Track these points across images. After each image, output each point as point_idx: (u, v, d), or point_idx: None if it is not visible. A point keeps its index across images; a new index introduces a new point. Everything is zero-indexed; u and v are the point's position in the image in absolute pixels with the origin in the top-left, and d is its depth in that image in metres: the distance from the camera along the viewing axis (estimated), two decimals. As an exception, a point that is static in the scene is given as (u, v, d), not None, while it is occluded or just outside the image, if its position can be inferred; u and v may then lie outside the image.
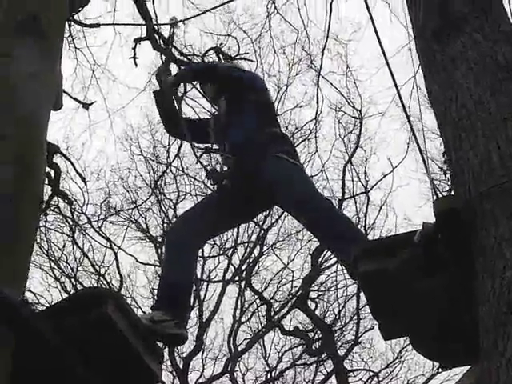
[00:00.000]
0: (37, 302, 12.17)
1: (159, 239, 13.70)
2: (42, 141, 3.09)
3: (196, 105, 10.21)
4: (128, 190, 14.10)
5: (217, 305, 13.81)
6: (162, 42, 8.52)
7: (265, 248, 14.37)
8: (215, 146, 3.98)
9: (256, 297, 14.32)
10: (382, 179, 13.94)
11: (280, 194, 3.59)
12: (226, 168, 3.78)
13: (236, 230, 13.78)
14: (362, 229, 13.03)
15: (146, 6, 8.40)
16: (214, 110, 4.35)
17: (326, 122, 19.43)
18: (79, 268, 13.53)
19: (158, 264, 13.38)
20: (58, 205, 11.49)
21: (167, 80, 4.07)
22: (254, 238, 14.27)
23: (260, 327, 14.29)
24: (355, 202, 14.02)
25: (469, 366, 3.01)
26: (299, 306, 13.75)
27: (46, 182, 7.70)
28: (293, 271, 14.42)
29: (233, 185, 3.69)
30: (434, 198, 3.07)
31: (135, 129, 14.50)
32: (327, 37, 9.75)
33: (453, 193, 3.15)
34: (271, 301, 14.18)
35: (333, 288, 14.19)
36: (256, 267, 14.36)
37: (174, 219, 12.08)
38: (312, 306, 14.05)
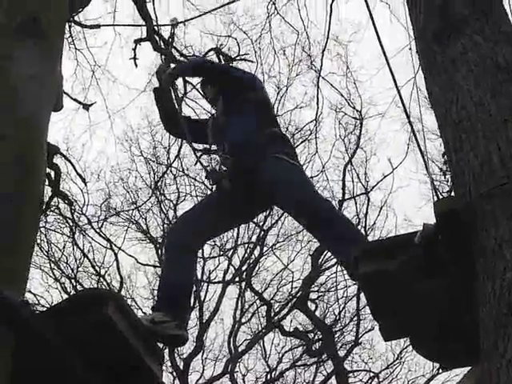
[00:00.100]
0: (37, 302, 12.19)
1: (159, 240, 13.70)
2: (42, 142, 3.09)
3: (196, 106, 10.24)
4: (128, 191, 14.12)
5: (217, 306, 13.81)
6: (162, 43, 8.52)
7: (265, 249, 14.38)
8: (214, 147, 3.99)
9: (256, 298, 14.32)
10: (382, 180, 13.96)
11: (280, 194, 3.60)
12: (224, 168, 3.78)
13: (236, 230, 13.80)
14: (362, 229, 13.03)
15: (146, 7, 8.40)
16: (213, 111, 4.35)
17: (326, 123, 19.44)
18: (79, 269, 13.54)
19: (159, 265, 13.38)
20: (58, 205, 11.49)
21: (166, 72, 4.07)
22: (254, 238, 14.28)
23: (260, 328, 14.29)
24: (355, 203, 14.03)
25: (469, 367, 3.01)
26: (299, 306, 13.74)
27: (47, 182, 7.70)
28: (293, 272, 14.44)
29: (232, 185, 3.69)
30: (435, 198, 3.07)
31: (135, 129, 14.51)
32: (327, 38, 9.76)
33: (453, 194, 3.15)
34: (271, 302, 14.18)
35: (333, 289, 14.21)
36: (256, 268, 14.37)
37: (175, 220, 12.09)
38: (312, 306, 14.05)
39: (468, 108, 2.98)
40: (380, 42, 3.94)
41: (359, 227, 12.45)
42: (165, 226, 13.74)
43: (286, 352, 14.35)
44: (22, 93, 3.03)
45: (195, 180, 13.53)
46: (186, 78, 7.15)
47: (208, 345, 14.13)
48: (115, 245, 13.50)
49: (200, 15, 6.92)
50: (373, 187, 14.10)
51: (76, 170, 9.84)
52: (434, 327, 2.83)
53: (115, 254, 13.48)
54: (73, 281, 13.37)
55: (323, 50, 10.19)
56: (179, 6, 10.34)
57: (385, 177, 13.82)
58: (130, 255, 13.77)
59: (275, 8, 10.39)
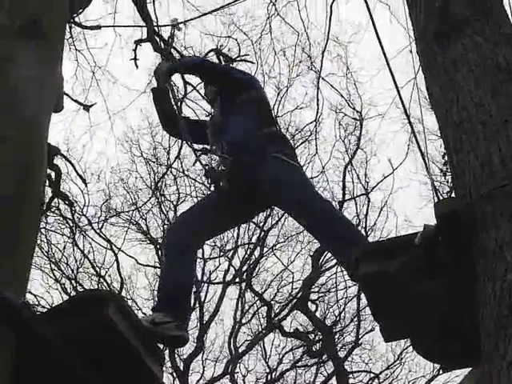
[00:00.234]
0: (37, 303, 12.19)
1: (160, 241, 13.69)
2: (42, 143, 3.09)
3: (196, 107, 10.23)
4: (128, 192, 14.12)
5: (217, 306, 13.80)
6: (162, 44, 8.52)
7: (265, 250, 14.38)
8: (213, 147, 3.98)
9: (256, 298, 14.32)
10: (382, 181, 13.96)
11: (280, 195, 3.60)
12: (223, 168, 3.77)
13: (236, 231, 13.80)
14: (363, 230, 13.02)
15: (146, 8, 8.40)
16: (212, 111, 4.36)
17: (326, 124, 19.48)
18: (80, 270, 13.54)
19: (159, 266, 13.37)
20: (59, 206, 11.48)
21: (162, 66, 4.08)
22: (254, 239, 14.28)
23: (260, 329, 14.29)
24: (355, 204, 14.03)
25: (470, 368, 3.01)
26: (300, 307, 13.74)
27: (47, 183, 7.69)
28: (293, 273, 14.44)
29: (231, 185, 3.69)
30: (435, 199, 3.07)
31: (135, 130, 14.52)
32: (327, 38, 9.76)
33: (453, 195, 3.15)
34: (271, 302, 14.18)
35: (333, 290, 14.20)
36: (256, 269, 14.37)
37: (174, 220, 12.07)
38: (312, 307, 14.05)
39: (468, 109, 2.98)
40: (380, 42, 3.94)
41: (359, 228, 12.44)
42: (165, 226, 13.73)
43: (286, 353, 14.36)
44: (22, 94, 3.03)
45: (195, 181, 13.54)
46: (184, 75, 7.12)
47: (208, 345, 14.15)
48: (115, 245, 13.52)
49: (200, 16, 6.94)
50: (373, 188, 14.12)
51: (76, 171, 9.83)
52: (434, 328, 2.83)
53: (115, 255, 13.49)
54: (73, 282, 13.38)
55: (323, 51, 10.19)
56: (179, 6, 10.36)
57: (385, 177, 13.84)
58: (131, 256, 13.79)
59: (275, 9, 10.41)
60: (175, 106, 4.16)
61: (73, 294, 12.82)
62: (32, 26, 3.28)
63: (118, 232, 13.86)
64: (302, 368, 14.34)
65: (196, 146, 4.14)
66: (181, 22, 4.72)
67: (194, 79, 8.60)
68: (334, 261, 12.58)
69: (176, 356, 13.24)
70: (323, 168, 13.53)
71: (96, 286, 13.31)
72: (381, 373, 14.29)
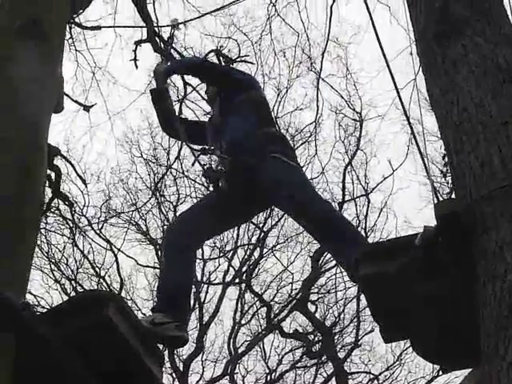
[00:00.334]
0: (37, 304, 12.18)
1: (159, 241, 13.68)
2: (43, 143, 3.09)
3: (196, 107, 10.24)
4: (128, 192, 14.11)
5: (217, 307, 13.80)
6: (162, 45, 8.53)
7: (265, 250, 14.37)
8: (212, 147, 3.98)
9: (256, 299, 14.31)
10: (382, 182, 13.94)
11: (279, 195, 3.59)
12: (222, 168, 3.77)
13: (236, 232, 13.80)
14: (363, 231, 13.02)
15: (146, 9, 8.40)
16: (211, 112, 4.36)
17: (326, 125, 19.40)
18: (79, 270, 13.53)
19: (158, 266, 13.37)
20: (59, 207, 11.47)
21: (161, 66, 4.08)
22: (254, 240, 14.27)
23: (260, 329, 14.28)
24: (355, 205, 14.02)
25: (469, 369, 3.01)
26: (299, 308, 13.74)
27: (47, 184, 7.69)
28: (293, 273, 14.42)
29: (230, 185, 3.69)
30: (435, 200, 3.07)
31: (135, 131, 14.50)
32: (327, 39, 9.78)
33: (454, 196, 3.15)
34: (271, 303, 14.17)
35: (333, 290, 14.20)
36: (256, 269, 14.37)
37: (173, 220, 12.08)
38: (312, 308, 14.04)
39: (469, 109, 2.98)
40: (380, 43, 3.94)
41: (359, 229, 12.45)
42: (165, 227, 13.70)
43: (285, 353, 14.34)
44: (23, 94, 3.04)
45: (195, 182, 13.53)
46: (183, 76, 7.13)
47: (208, 346, 14.15)
48: (115, 246, 13.51)
49: (200, 16, 6.93)
50: (373, 189, 14.11)
51: (76, 172, 9.84)
52: (434, 329, 2.83)
53: (115, 256, 13.48)
54: (73, 282, 13.38)
55: (323, 52, 10.21)
56: (179, 7, 10.35)
57: (385, 178, 13.82)
58: (130, 256, 13.79)
59: (275, 10, 10.40)
60: (174, 107, 4.16)
61: (73, 294, 12.81)
62: (32, 26, 3.29)
63: (118, 232, 13.87)
64: (301, 369, 14.34)
65: (195, 147, 4.14)
66: (181, 23, 4.73)
67: (193, 80, 8.59)
68: (334, 262, 12.58)
69: (176, 356, 13.25)
70: (323, 169, 13.55)
71: (96, 287, 13.31)
72: (380, 374, 14.29)
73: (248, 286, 14.06)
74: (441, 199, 3.53)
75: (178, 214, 13.34)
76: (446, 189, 10.84)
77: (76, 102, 9.28)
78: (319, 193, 4.11)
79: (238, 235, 13.95)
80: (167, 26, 4.81)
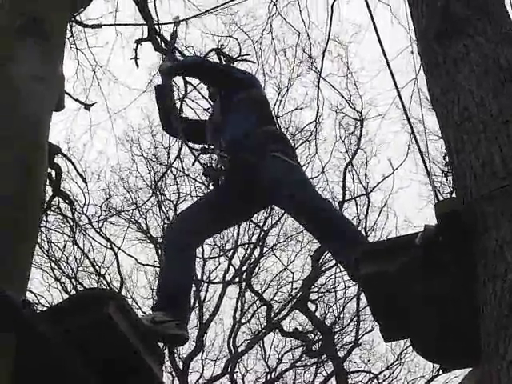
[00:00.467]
0: (37, 302, 12.18)
1: (159, 240, 13.69)
2: (43, 142, 3.10)
3: (197, 106, 10.24)
4: (128, 191, 14.12)
5: (217, 306, 13.81)
6: (163, 43, 8.52)
7: (265, 249, 14.38)
8: (212, 146, 3.99)
9: (256, 298, 14.32)
10: (382, 181, 13.96)
11: (280, 194, 3.59)
12: (222, 167, 3.77)
13: (236, 231, 13.81)
14: (363, 231, 13.02)
15: (147, 7, 8.40)
16: (211, 110, 4.36)
17: (326, 124, 19.53)
18: (79, 268, 13.54)
19: (158, 265, 13.37)
20: (59, 205, 11.48)
21: (165, 64, 4.09)
22: (254, 239, 14.28)
23: (260, 328, 14.29)
24: (356, 204, 14.04)
25: (470, 368, 3.01)
26: (299, 307, 13.74)
27: (47, 182, 7.70)
28: (293, 273, 14.43)
29: (230, 183, 3.69)
30: (435, 200, 3.07)
31: (136, 130, 14.52)
32: (328, 39, 9.78)
33: (454, 195, 3.15)
34: (271, 302, 14.18)
35: (333, 290, 14.21)
36: (256, 268, 14.37)
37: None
38: (312, 307, 14.06)
39: (470, 109, 2.98)
40: (381, 43, 3.95)
41: (359, 228, 12.44)
42: (165, 226, 13.71)
43: (285, 352, 14.36)
44: (24, 93, 3.04)
45: (195, 180, 13.53)
46: (185, 75, 7.14)
47: (208, 345, 14.15)
48: (115, 245, 13.53)
49: (202, 13, 6.91)
50: (373, 188, 14.13)
51: (77, 170, 9.84)
52: (434, 328, 2.83)
53: (115, 254, 13.50)
54: (73, 280, 13.38)
55: (324, 51, 10.21)
56: (180, 6, 10.35)
57: (385, 178, 13.84)
58: (130, 255, 13.80)
59: (276, 9, 10.40)
60: (176, 106, 4.17)
61: (73, 292, 12.82)
62: (33, 24, 3.29)
63: (118, 231, 13.89)
64: (301, 368, 14.35)
65: (195, 146, 4.14)
66: (183, 20, 4.74)
67: (194, 79, 8.59)
68: (334, 261, 12.59)
69: (176, 355, 13.25)
70: (323, 168, 13.57)
71: (96, 285, 13.31)
72: (380, 373, 14.30)
73: (248, 285, 14.06)
74: (441, 199, 3.53)
75: (178, 212, 13.34)
76: (446, 188, 10.85)
77: (77, 100, 9.28)
78: (319, 192, 4.11)
79: (238, 234, 13.97)
80: (170, 23, 4.82)
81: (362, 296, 12.09)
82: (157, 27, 8.47)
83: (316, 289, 14.37)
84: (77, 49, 9.60)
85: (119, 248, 13.53)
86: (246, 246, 14.36)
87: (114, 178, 14.38)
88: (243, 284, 14.27)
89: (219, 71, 4.23)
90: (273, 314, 14.03)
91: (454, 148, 3.00)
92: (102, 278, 13.47)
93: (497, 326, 2.33)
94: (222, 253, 14.23)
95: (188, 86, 9.68)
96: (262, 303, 14.22)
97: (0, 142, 2.88)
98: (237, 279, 14.38)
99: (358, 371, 14.26)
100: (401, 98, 3.95)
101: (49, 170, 7.96)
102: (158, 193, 13.98)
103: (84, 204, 12.28)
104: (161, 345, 3.36)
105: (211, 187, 3.91)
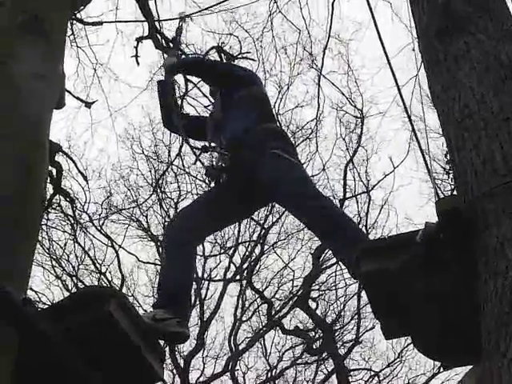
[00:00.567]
0: (38, 300, 12.20)
1: (160, 238, 13.69)
2: (44, 140, 3.09)
3: (197, 104, 10.23)
4: (129, 189, 14.13)
5: (218, 304, 13.82)
6: (163, 41, 8.52)
7: (266, 247, 14.39)
8: (213, 144, 3.99)
9: (257, 296, 14.34)
10: (383, 179, 13.97)
11: (280, 192, 3.59)
12: (223, 164, 3.77)
13: (237, 229, 13.82)
14: (364, 228, 13.03)
15: (147, 5, 8.39)
16: (212, 107, 4.37)
17: (327, 122, 19.48)
18: (80, 266, 13.55)
19: (159, 263, 13.38)
20: (60, 203, 11.49)
21: (169, 60, 4.09)
22: (255, 237, 14.29)
23: (261, 326, 14.30)
24: (356, 202, 14.05)
25: (470, 366, 3.01)
26: (300, 305, 13.75)
27: (48, 180, 7.70)
28: (294, 270, 14.44)
29: (231, 181, 3.68)
30: (436, 197, 3.06)
31: (137, 128, 14.52)
32: (329, 36, 9.78)
33: (455, 193, 3.15)
34: (272, 300, 14.19)
35: (334, 287, 14.22)
36: (257, 266, 14.38)
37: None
38: (313, 305, 14.07)
39: (470, 106, 2.98)
40: (381, 40, 3.94)
41: (360, 226, 12.45)
42: (166, 224, 13.72)
43: (286, 350, 14.37)
44: (25, 91, 3.04)
45: (196, 178, 13.54)
46: (186, 74, 7.15)
47: (209, 343, 14.17)
48: (116, 242, 13.54)
49: (204, 9, 6.90)
50: (374, 186, 14.14)
51: (78, 168, 9.85)
52: (435, 326, 2.83)
53: (116, 252, 13.51)
54: (74, 278, 13.40)
55: (324, 49, 10.21)
56: (181, 3, 10.35)
57: (386, 175, 13.84)
58: (131, 253, 13.81)
59: (277, 6, 10.39)
60: (178, 103, 4.17)
61: (74, 290, 12.83)
62: (34, 22, 3.29)
63: (119, 229, 13.89)
64: (302, 365, 14.37)
65: (196, 144, 4.15)
66: (188, 15, 4.76)
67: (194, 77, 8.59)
68: (335, 259, 12.59)
69: (176, 353, 13.27)
70: (324, 166, 13.57)
71: (97, 283, 13.32)
72: (381, 371, 14.32)
73: (249, 283, 14.07)
74: (442, 196, 3.53)
75: (178, 210, 13.34)
76: (447, 186, 10.85)
77: (77, 98, 9.28)
78: (320, 190, 4.11)
79: (238, 232, 13.98)
80: (175, 18, 4.83)
81: (363, 294, 12.10)
82: (157, 25, 8.46)
83: (317, 287, 14.39)
84: (77, 47, 9.61)
85: (120, 246, 13.55)
86: (247, 243, 14.38)
87: (114, 175, 14.44)
88: (244, 282, 14.28)
89: (219, 71, 4.23)
90: (273, 312, 14.04)
91: (455, 145, 3.00)
92: (102, 276, 13.48)
93: (497, 324, 2.33)
94: (222, 251, 14.25)
95: (188, 84, 9.68)
96: (263, 301, 14.23)
97: (0, 140, 2.88)
98: (237, 277, 14.39)
99: (358, 369, 14.28)
100: (401, 96, 3.94)
101: (50, 167, 7.96)
102: (158, 191, 13.99)
103: (85, 202, 12.30)
104: (162, 342, 3.36)
105: (212, 185, 3.91)
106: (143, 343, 2.86)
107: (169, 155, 13.93)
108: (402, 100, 3.99)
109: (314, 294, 14.29)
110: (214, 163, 3.80)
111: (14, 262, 2.67)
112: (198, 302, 13.57)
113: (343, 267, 11.23)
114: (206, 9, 6.75)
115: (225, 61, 9.08)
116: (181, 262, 3.48)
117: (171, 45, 7.46)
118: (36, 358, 2.61)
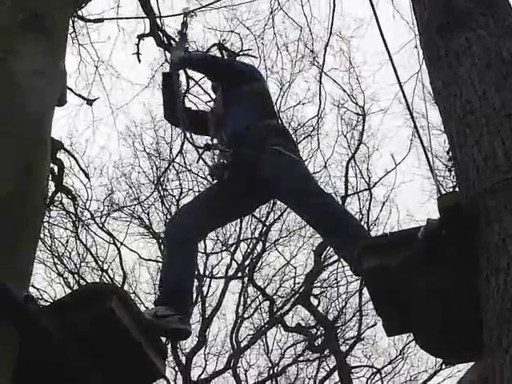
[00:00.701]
0: (40, 297, 12.22)
1: (162, 235, 13.70)
2: (46, 137, 3.09)
3: (199, 101, 10.22)
4: (131, 186, 14.13)
5: (219, 301, 13.83)
6: (165, 38, 8.51)
7: (267, 244, 14.40)
8: (215, 140, 3.98)
9: (259, 293, 14.34)
10: (384, 176, 13.97)
11: (282, 188, 3.59)
12: (224, 161, 3.76)
13: (239, 225, 13.82)
14: (365, 225, 13.03)
15: (149, 2, 8.38)
16: (213, 103, 4.36)
17: (328, 119, 19.49)
18: (82, 264, 13.57)
19: (161, 260, 13.38)
20: (62, 200, 11.51)
21: (177, 52, 4.10)
22: (256, 234, 14.29)
23: (262, 323, 14.31)
24: (358, 199, 14.05)
25: (472, 362, 3.01)
26: (302, 302, 13.76)
27: (50, 177, 7.71)
28: (295, 267, 14.45)
29: (232, 177, 3.68)
30: (438, 194, 3.06)
31: (138, 125, 14.53)
32: (330, 33, 9.78)
33: (457, 189, 3.15)
34: (274, 297, 14.20)
35: (335, 284, 14.22)
36: (259, 263, 14.39)
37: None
38: (315, 302, 14.07)
39: (472, 102, 2.97)
40: (383, 37, 3.94)
41: (362, 223, 12.45)
42: (167, 221, 13.73)
43: (288, 347, 14.39)
44: (25, 88, 3.03)
45: (198, 175, 13.55)
46: (188, 70, 7.15)
47: (210, 340, 14.19)
48: (118, 240, 13.55)
49: (207, 5, 6.88)
50: (376, 183, 14.14)
51: (79, 165, 9.86)
52: (437, 322, 2.83)
53: (118, 249, 13.52)
54: (76, 275, 13.41)
55: (326, 46, 10.22)
56: (182, 0, 10.33)
57: (388, 172, 13.85)
58: (133, 250, 13.82)
59: (278, 3, 10.38)
60: (181, 96, 4.17)
61: (75, 287, 12.84)
62: (34, 20, 3.28)
63: (121, 226, 13.90)
64: (303, 363, 14.39)
65: (198, 141, 4.14)
66: (192, 11, 4.77)
67: (196, 74, 8.59)
68: (337, 256, 12.59)
69: (178, 350, 13.28)
70: (325, 163, 13.57)
71: (98, 280, 13.34)
72: (383, 368, 14.33)
73: (251, 280, 14.07)
74: (443, 192, 3.53)
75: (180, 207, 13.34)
76: (449, 183, 10.84)
77: (79, 95, 9.29)
78: (322, 186, 4.10)
79: (240, 229, 13.98)
80: (179, 14, 4.83)
81: (365, 290, 12.09)
82: (159, 22, 8.45)
83: (319, 283, 14.39)
84: (79, 44, 9.61)
85: (122, 243, 13.56)
86: (249, 240, 14.39)
87: (116, 173, 14.42)
88: (246, 279, 14.29)
89: (220, 67, 4.22)
90: (275, 309, 14.05)
91: (457, 142, 2.99)
92: (104, 273, 13.50)
93: (499, 320, 2.32)
94: (224, 248, 14.25)
95: (190, 82, 9.67)
96: (265, 298, 14.23)
97: (1, 137, 2.88)
98: (239, 274, 14.40)
99: (360, 366, 14.30)
100: (403, 93, 3.95)
101: (51, 165, 7.97)
102: (160, 188, 14.00)
103: (86, 199, 12.31)
104: (163, 339, 3.36)
105: (214, 182, 3.91)
106: (145, 340, 2.86)
107: (170, 152, 13.95)
108: (404, 97, 3.99)
109: (316, 291, 14.31)
110: (216, 161, 3.80)
111: (16, 260, 2.67)
112: (199, 299, 13.58)
113: (345, 264, 11.23)
114: (207, 5, 6.73)
115: (226, 58, 9.07)
116: (182, 259, 3.47)
117: (173, 42, 7.48)
118: (37, 354, 2.61)
